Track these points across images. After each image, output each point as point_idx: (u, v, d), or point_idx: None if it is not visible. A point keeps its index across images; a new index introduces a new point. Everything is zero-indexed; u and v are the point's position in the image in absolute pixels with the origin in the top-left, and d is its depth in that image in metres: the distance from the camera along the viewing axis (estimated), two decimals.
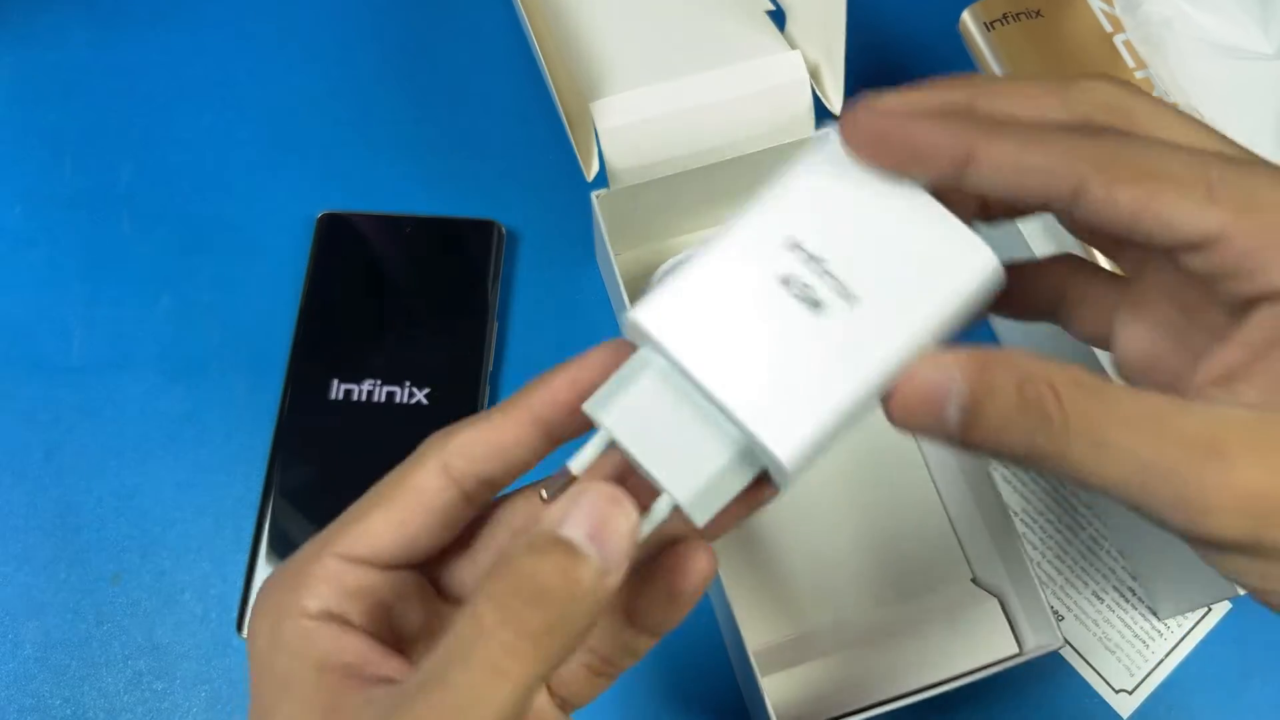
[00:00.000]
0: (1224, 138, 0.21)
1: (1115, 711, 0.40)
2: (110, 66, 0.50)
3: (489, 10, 0.52)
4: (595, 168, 0.40)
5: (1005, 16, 0.41)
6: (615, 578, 0.19)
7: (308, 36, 0.51)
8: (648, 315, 0.20)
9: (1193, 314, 0.22)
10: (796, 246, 0.20)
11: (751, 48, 0.41)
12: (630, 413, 0.20)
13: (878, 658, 0.37)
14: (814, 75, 0.41)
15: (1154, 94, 0.39)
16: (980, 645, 0.37)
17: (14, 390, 0.44)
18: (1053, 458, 0.19)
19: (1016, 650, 0.37)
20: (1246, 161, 0.20)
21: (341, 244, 0.46)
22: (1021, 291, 0.25)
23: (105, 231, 0.46)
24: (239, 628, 0.39)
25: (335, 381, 0.43)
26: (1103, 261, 0.28)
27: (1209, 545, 0.19)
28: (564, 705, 0.24)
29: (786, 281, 0.20)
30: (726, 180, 0.42)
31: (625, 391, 0.20)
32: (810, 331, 0.20)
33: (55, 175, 0.48)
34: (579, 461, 0.21)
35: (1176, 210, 0.19)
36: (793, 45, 0.42)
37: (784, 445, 0.19)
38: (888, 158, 0.21)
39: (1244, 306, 0.20)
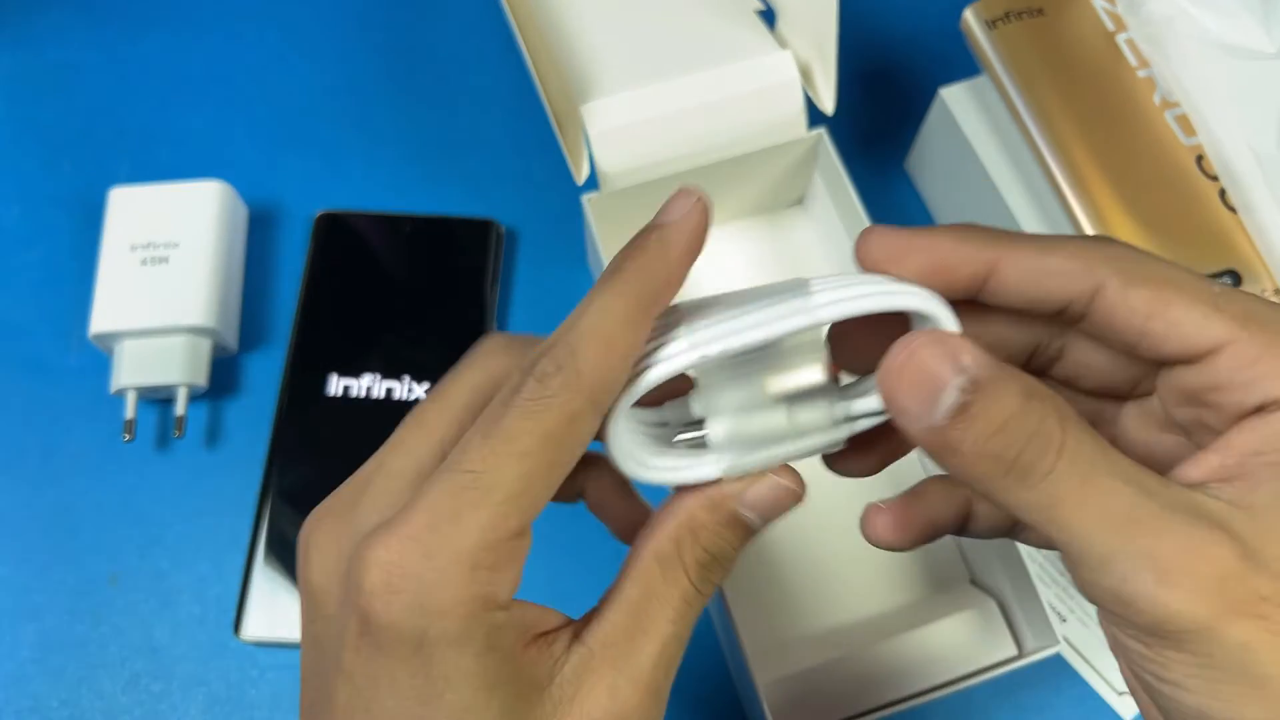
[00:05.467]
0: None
1: (1117, 714, 0.40)
2: (107, 66, 0.50)
3: (485, 9, 0.51)
4: (585, 171, 0.39)
5: (1007, 15, 0.41)
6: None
7: (305, 37, 0.51)
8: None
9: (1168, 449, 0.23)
10: None
11: (741, 48, 0.41)
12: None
13: (875, 661, 0.37)
14: (805, 75, 0.41)
15: (1156, 93, 0.39)
16: (979, 647, 0.37)
17: (12, 390, 0.44)
18: (1032, 480, 0.19)
19: (1016, 652, 0.37)
20: (1238, 289, 0.21)
21: (340, 243, 0.46)
22: None
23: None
24: (236, 629, 0.39)
25: (333, 381, 0.43)
26: None
27: (1149, 627, 0.19)
28: None
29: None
30: (718, 182, 0.42)
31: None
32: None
33: (53, 175, 0.48)
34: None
35: (1186, 316, 0.20)
36: (783, 45, 0.42)
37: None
38: (910, 270, 0.22)
39: (1231, 421, 0.20)
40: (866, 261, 0.22)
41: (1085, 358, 0.24)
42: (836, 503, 0.41)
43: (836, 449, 0.23)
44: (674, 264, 0.22)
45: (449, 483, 0.20)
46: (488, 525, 0.20)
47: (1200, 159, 0.38)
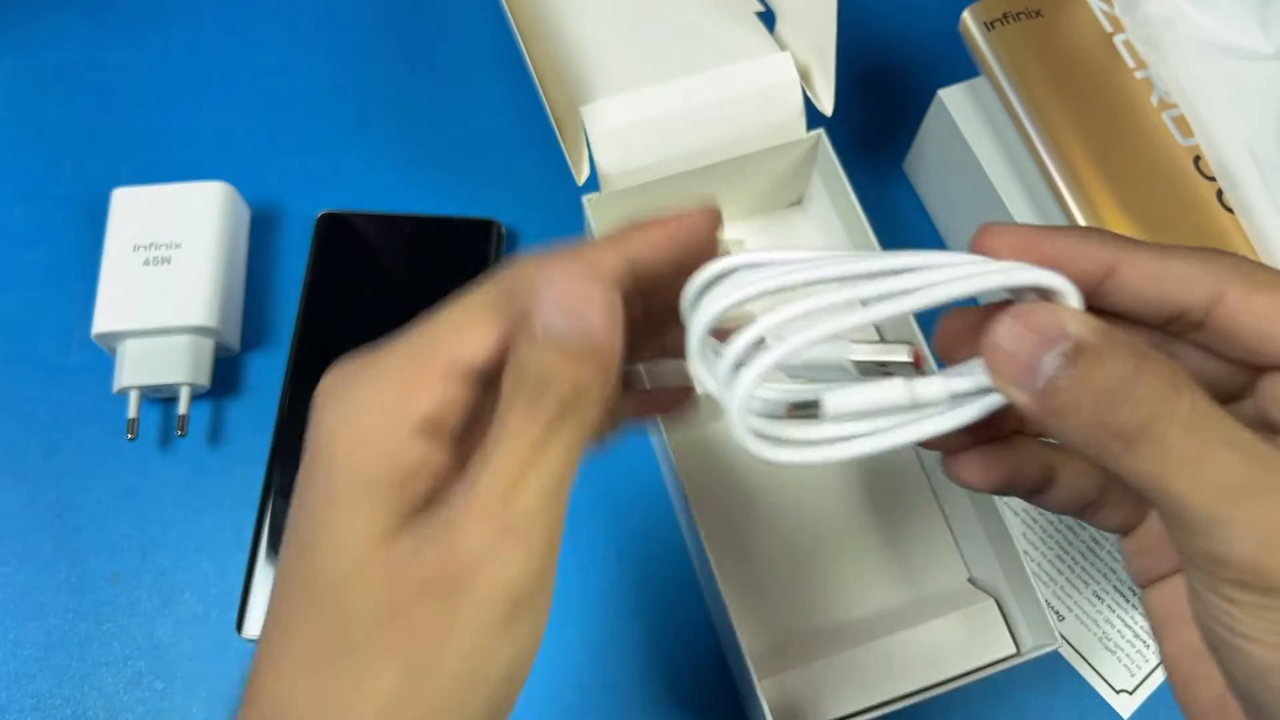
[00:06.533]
0: None
1: (1116, 712, 0.40)
2: (109, 67, 0.50)
3: (485, 9, 0.52)
4: (586, 172, 0.40)
5: (1005, 16, 0.41)
6: (609, 351, 0.21)
7: (306, 37, 0.51)
8: None
9: None
10: None
11: (741, 49, 0.41)
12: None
13: (873, 659, 0.37)
14: (804, 76, 0.41)
15: (1153, 94, 0.39)
16: (977, 646, 0.37)
17: (14, 390, 0.44)
18: (1142, 447, 0.19)
19: (1014, 650, 0.37)
20: None
21: (341, 243, 0.46)
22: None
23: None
24: (239, 627, 0.39)
25: None
26: None
27: (1242, 583, 0.19)
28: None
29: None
30: (718, 183, 0.42)
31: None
32: None
33: (55, 175, 0.48)
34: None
35: None
36: (783, 46, 0.42)
37: None
38: (1030, 262, 0.22)
39: None
40: (986, 253, 0.22)
41: (1189, 366, 0.23)
42: (834, 502, 0.41)
43: (956, 429, 0.22)
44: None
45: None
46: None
47: (1198, 160, 0.38)
